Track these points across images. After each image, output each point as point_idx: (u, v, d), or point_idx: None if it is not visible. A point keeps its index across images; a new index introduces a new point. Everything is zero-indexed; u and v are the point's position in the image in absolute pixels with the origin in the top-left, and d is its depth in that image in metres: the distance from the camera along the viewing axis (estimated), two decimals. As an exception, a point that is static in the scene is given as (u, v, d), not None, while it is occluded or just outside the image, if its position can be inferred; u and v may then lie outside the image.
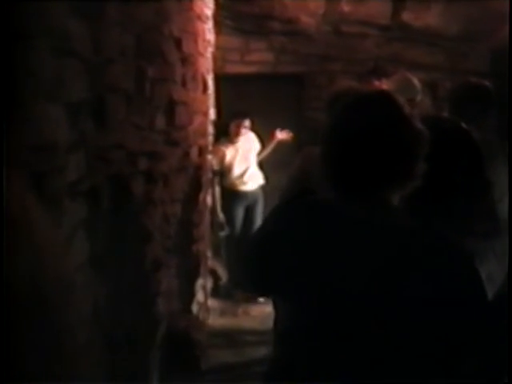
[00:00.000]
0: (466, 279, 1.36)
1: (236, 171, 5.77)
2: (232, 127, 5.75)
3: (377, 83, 4.78)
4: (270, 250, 1.61)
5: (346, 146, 1.45)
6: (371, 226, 1.42)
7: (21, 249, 0.56)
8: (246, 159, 5.81)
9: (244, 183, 5.81)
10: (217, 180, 5.72)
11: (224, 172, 5.76)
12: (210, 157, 5.64)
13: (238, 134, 5.75)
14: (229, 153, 5.75)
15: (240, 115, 5.73)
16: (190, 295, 4.09)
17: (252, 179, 5.86)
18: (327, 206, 1.51)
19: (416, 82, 4.62)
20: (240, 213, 5.81)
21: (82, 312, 1.72)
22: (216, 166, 5.69)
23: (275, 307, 1.72)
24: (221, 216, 5.71)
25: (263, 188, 5.95)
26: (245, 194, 5.82)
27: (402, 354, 1.36)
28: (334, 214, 1.48)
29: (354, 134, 1.45)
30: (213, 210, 5.65)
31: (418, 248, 1.37)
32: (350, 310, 1.39)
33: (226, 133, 5.78)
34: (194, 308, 4.14)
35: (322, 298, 1.45)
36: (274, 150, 6.04)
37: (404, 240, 1.39)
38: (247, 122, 5.75)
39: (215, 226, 5.74)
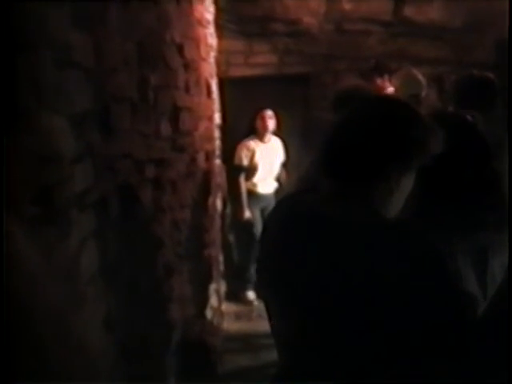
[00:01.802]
0: (434, 278, 1.34)
1: (260, 172, 5.73)
2: (257, 122, 5.71)
3: (379, 80, 4.76)
4: (261, 252, 1.66)
5: (344, 143, 1.47)
6: (350, 225, 1.41)
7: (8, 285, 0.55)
8: (270, 162, 5.79)
9: (263, 186, 5.79)
10: (243, 176, 5.68)
11: (250, 170, 5.72)
12: (239, 151, 5.63)
13: (265, 127, 5.70)
14: (258, 151, 5.72)
15: (259, 108, 5.71)
16: (204, 300, 4.08)
17: (270, 183, 5.85)
18: (309, 204, 1.51)
19: (421, 77, 4.60)
20: (257, 215, 5.77)
21: (94, 323, 1.72)
22: (244, 162, 5.66)
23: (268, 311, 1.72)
24: (247, 213, 5.67)
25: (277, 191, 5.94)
26: (262, 197, 5.80)
27: (390, 352, 1.34)
28: (313, 212, 1.48)
29: (348, 133, 1.47)
30: (236, 209, 5.63)
31: (390, 247, 1.36)
32: (329, 312, 1.39)
33: (252, 132, 5.75)
34: (208, 313, 4.14)
35: (302, 297, 1.45)
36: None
37: (376, 238, 1.38)
38: (269, 112, 5.72)
39: (229, 228, 5.73)
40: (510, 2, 4.28)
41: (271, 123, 5.72)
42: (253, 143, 5.72)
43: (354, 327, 1.36)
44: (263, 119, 5.69)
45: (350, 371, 1.39)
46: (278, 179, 5.92)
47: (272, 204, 5.83)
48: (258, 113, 5.71)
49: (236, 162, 5.67)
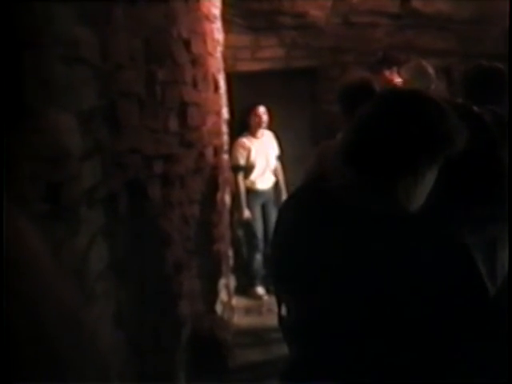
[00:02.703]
0: (462, 271, 1.34)
1: (258, 169, 5.73)
2: (251, 118, 5.71)
3: (387, 72, 4.73)
4: (279, 243, 1.63)
5: (372, 135, 1.46)
6: (372, 214, 1.41)
7: (15, 282, 0.55)
8: (266, 157, 5.78)
9: (262, 181, 5.78)
10: (241, 175, 5.67)
11: (247, 168, 5.72)
12: (235, 151, 5.61)
13: (259, 123, 5.70)
14: (253, 148, 5.71)
15: (252, 104, 5.70)
16: (214, 295, 4.09)
17: (268, 178, 5.84)
18: (331, 194, 1.51)
19: (431, 70, 4.57)
20: (258, 211, 5.78)
21: (104, 319, 1.73)
22: (241, 162, 5.65)
23: (286, 305, 1.71)
24: (247, 213, 5.66)
25: (280, 184, 5.92)
26: (262, 193, 5.80)
27: (417, 349, 1.35)
28: (340, 203, 1.48)
29: (381, 125, 1.46)
30: (237, 207, 5.63)
31: (415, 237, 1.36)
32: (362, 304, 1.39)
33: (245, 128, 5.75)
34: (218, 308, 4.14)
35: (332, 290, 1.45)
36: (290, 146, 6.01)
37: (401, 229, 1.38)
38: (262, 108, 5.71)
39: (237, 223, 5.72)
40: (510, 5, 4.25)
41: (265, 119, 5.72)
42: (247, 141, 5.70)
43: (377, 317, 1.36)
44: (257, 115, 5.69)
45: (368, 364, 1.39)
46: (274, 173, 5.91)
47: (271, 199, 5.84)
48: (251, 109, 5.70)
49: (232, 161, 5.65)
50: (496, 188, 1.74)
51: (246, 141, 5.69)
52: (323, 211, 1.49)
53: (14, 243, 0.55)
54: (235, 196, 5.64)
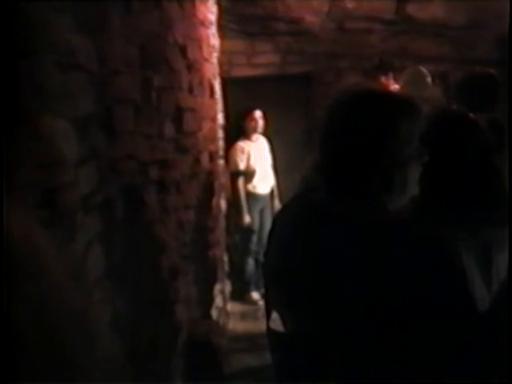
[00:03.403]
0: (447, 275, 1.34)
1: (259, 172, 5.71)
2: (247, 122, 5.69)
3: (384, 78, 4.75)
4: (272, 250, 1.64)
5: (330, 143, 1.47)
6: (359, 224, 1.41)
7: (25, 283, 0.55)
8: (265, 161, 5.78)
9: (262, 185, 5.77)
10: (242, 180, 5.64)
11: (249, 173, 5.68)
12: (234, 155, 5.59)
13: (255, 128, 5.68)
14: (252, 152, 5.69)
15: (248, 108, 5.69)
16: (209, 301, 4.09)
17: (268, 182, 5.83)
18: (319, 205, 1.51)
19: (428, 79, 4.59)
20: (257, 216, 5.76)
21: (101, 325, 1.73)
22: (241, 166, 5.63)
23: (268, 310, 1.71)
24: (247, 218, 5.63)
25: (276, 189, 5.92)
26: (261, 197, 5.79)
27: (401, 353, 1.34)
28: (324, 212, 1.48)
29: (336, 131, 1.46)
30: (237, 213, 5.59)
31: (403, 244, 1.36)
32: (340, 309, 1.39)
33: (241, 132, 5.73)
34: (214, 313, 4.14)
35: (314, 295, 1.45)
36: (286, 151, 6.02)
37: (389, 236, 1.38)
38: (259, 112, 5.70)
39: (233, 228, 5.70)
40: (510, 5, 4.27)
41: (261, 123, 5.72)
42: (245, 145, 5.69)
43: (362, 324, 1.36)
44: (253, 119, 5.69)
45: (354, 370, 1.39)
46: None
47: (268, 204, 5.82)
48: (247, 113, 5.70)
49: (232, 167, 5.62)
50: (490, 192, 1.75)
51: (244, 145, 5.68)
52: (315, 222, 1.49)
53: (25, 246, 0.55)
54: (234, 201, 5.61)
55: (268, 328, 1.69)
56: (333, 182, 1.48)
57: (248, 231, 5.68)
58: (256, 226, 5.70)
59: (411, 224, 1.45)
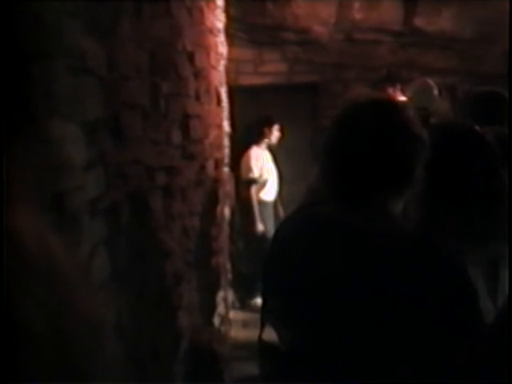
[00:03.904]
0: (456, 290, 1.34)
1: (271, 179, 5.69)
2: (265, 131, 5.65)
3: (391, 90, 4.75)
4: (273, 262, 1.63)
5: (339, 154, 1.46)
6: (368, 235, 1.40)
7: (38, 287, 0.55)
8: (272, 168, 5.77)
9: (272, 193, 5.76)
10: (255, 188, 5.61)
11: (263, 180, 5.64)
12: (248, 163, 5.56)
13: (271, 139, 5.66)
14: (265, 159, 5.67)
15: (272, 119, 5.66)
16: (212, 308, 4.08)
17: (274, 190, 5.83)
18: (326, 216, 1.50)
19: (435, 91, 4.59)
20: (268, 224, 5.72)
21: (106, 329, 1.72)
22: (256, 174, 5.59)
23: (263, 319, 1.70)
24: (260, 227, 5.58)
25: (278, 197, 5.91)
26: (269, 205, 5.78)
27: (402, 362, 1.34)
28: (331, 224, 1.47)
29: (346, 142, 1.45)
30: (250, 221, 5.53)
31: (412, 257, 1.35)
32: (348, 321, 1.38)
33: (258, 138, 5.70)
34: (216, 321, 4.14)
35: (320, 309, 1.43)
36: (291, 160, 6.02)
37: (399, 249, 1.37)
38: (279, 126, 5.69)
39: (237, 236, 5.68)
40: (510, 5, 4.28)
41: (278, 136, 5.72)
42: (259, 152, 5.68)
43: (368, 334, 1.35)
44: (274, 131, 5.68)
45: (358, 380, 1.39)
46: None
47: (272, 212, 5.80)
48: (270, 123, 5.67)
49: (248, 174, 5.59)
50: (496, 207, 1.74)
51: (258, 152, 5.66)
52: (321, 234, 1.48)
53: (37, 249, 0.55)
54: (246, 209, 5.57)
55: (260, 340, 1.67)
56: (342, 193, 1.47)
57: (259, 239, 5.63)
58: (269, 234, 5.69)
59: (419, 236, 1.45)
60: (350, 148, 1.45)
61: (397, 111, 1.48)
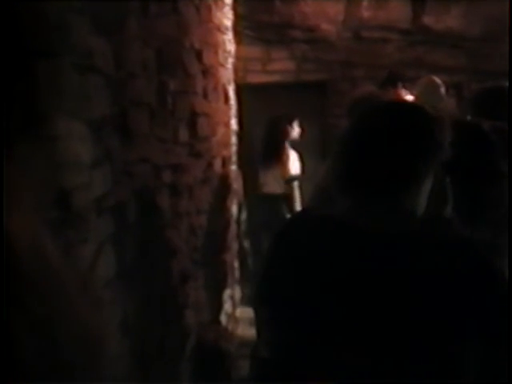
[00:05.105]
0: (486, 277, 1.33)
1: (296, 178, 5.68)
2: (287, 128, 5.61)
3: (392, 90, 4.72)
4: (276, 264, 1.58)
5: (359, 151, 1.45)
6: (382, 237, 1.39)
7: (30, 299, 0.54)
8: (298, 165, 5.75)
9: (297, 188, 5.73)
10: (296, 185, 5.57)
11: (296, 178, 5.60)
12: (287, 161, 5.52)
13: (292, 137, 5.62)
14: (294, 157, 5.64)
15: (290, 115, 5.61)
16: (218, 306, 4.08)
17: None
18: (340, 221, 1.48)
19: (442, 89, 4.57)
20: None
21: (111, 328, 1.73)
22: (293, 172, 5.53)
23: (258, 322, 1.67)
24: None
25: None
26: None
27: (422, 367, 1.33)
28: (347, 229, 1.45)
29: (366, 136, 1.44)
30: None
31: (437, 251, 1.35)
32: (363, 323, 1.37)
33: (283, 135, 5.65)
34: (223, 319, 4.14)
35: (331, 312, 1.41)
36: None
37: (422, 245, 1.37)
38: (297, 122, 5.64)
39: (243, 234, 5.66)
40: (510, 5, 4.25)
41: (300, 131, 5.69)
42: (292, 152, 5.64)
43: (385, 337, 1.34)
44: (295, 126, 5.64)
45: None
46: None
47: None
48: (289, 119, 5.62)
49: (289, 173, 5.55)
50: (497, 195, 1.76)
51: (290, 151, 5.63)
52: (337, 237, 1.46)
53: (31, 255, 0.54)
54: (292, 206, 5.54)
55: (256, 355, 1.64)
56: (354, 190, 1.45)
57: None
58: None
59: (440, 231, 1.44)
60: (367, 143, 1.44)
61: (417, 112, 1.48)
